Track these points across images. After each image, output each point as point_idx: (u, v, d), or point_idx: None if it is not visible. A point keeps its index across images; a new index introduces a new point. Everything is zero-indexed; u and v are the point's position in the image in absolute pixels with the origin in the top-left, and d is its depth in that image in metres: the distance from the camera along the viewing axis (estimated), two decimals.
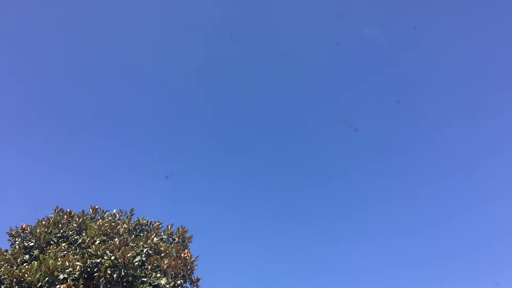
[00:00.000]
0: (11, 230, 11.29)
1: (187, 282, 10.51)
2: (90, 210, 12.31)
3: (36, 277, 8.99)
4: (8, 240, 11.18)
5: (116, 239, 10.07)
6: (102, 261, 9.51)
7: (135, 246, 10.29)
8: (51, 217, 11.61)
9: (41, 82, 31.52)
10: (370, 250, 30.70)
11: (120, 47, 32.86)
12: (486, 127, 31.99)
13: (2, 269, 9.27)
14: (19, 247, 10.43)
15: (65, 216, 11.84)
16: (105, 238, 10.33)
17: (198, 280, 10.61)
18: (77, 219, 11.56)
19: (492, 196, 30.73)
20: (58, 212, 12.14)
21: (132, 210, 12.14)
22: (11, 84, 29.94)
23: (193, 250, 11.19)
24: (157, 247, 10.56)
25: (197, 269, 10.76)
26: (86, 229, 10.98)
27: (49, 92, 31.96)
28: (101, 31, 32.27)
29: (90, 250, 9.76)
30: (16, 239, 11.01)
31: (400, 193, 33.58)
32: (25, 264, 9.87)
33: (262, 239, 32.48)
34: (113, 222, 11.14)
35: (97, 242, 10.07)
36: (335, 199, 34.21)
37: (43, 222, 11.28)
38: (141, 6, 32.25)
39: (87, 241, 10.18)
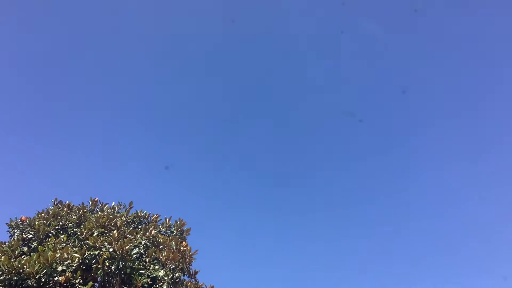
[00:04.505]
0: (11, 221, 11.35)
1: (185, 275, 10.57)
2: (90, 202, 12.36)
3: (35, 268, 9.05)
4: (7, 231, 11.25)
5: (115, 231, 10.12)
6: (100, 253, 9.57)
7: (133, 238, 10.34)
8: (50, 209, 11.66)
9: (38, 74, 31.46)
10: (376, 245, 30.71)
11: (118, 40, 32.73)
12: (489, 121, 31.82)
13: (2, 259, 9.31)
14: (18, 238, 10.49)
15: (65, 209, 11.91)
16: (102, 230, 10.39)
17: (196, 273, 10.68)
18: (76, 211, 11.63)
19: (499, 187, 30.19)
20: (57, 204, 12.20)
21: (131, 203, 12.17)
22: (9, 79, 29.92)
23: (191, 243, 11.27)
24: (156, 240, 10.62)
25: (195, 260, 10.83)
26: (85, 221, 11.04)
27: (46, 84, 31.93)
28: (99, 23, 32.13)
29: (88, 242, 9.82)
30: (15, 231, 11.08)
31: (404, 186, 33.52)
32: (23, 256, 9.93)
33: (262, 233, 32.65)
34: (111, 215, 11.18)
35: (95, 234, 10.13)
36: (337, 193, 34.28)
37: (42, 214, 11.33)
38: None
39: (84, 233, 10.24)
